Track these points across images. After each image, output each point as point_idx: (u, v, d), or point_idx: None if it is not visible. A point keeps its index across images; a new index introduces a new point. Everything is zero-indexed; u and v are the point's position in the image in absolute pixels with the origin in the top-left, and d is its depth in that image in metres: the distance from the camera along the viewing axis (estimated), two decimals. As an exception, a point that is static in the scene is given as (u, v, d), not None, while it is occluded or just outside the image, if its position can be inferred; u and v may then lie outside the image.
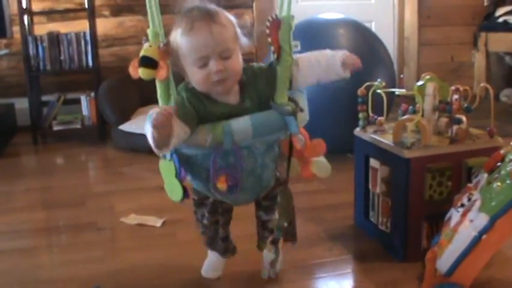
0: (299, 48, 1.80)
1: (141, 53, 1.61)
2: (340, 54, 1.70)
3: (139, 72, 1.60)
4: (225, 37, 1.57)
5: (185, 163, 1.68)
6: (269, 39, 1.66)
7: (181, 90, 1.65)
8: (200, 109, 1.61)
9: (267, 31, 1.66)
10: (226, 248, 1.93)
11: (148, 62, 1.59)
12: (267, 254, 1.96)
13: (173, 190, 1.72)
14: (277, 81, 1.68)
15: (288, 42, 1.67)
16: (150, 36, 1.66)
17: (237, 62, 1.61)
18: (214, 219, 1.86)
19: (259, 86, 1.68)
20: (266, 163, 1.69)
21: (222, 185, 1.61)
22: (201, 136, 1.57)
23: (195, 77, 1.60)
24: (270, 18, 1.67)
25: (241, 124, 1.58)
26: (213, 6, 1.61)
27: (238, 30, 1.65)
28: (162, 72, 1.61)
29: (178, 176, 1.67)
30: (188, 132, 1.55)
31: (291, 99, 1.69)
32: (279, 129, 1.64)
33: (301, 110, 1.69)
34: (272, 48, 1.67)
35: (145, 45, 1.63)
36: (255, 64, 1.74)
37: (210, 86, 1.60)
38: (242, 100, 1.66)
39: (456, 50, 5.50)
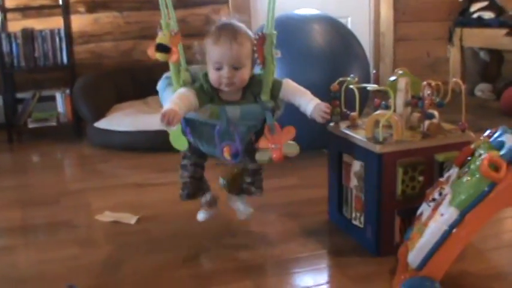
0: (279, 55, 2.10)
1: (157, 41, 2.00)
2: (312, 107, 2.07)
3: (156, 56, 1.99)
4: (240, 54, 1.99)
5: (189, 122, 2.09)
6: (255, 55, 2.05)
7: (203, 79, 2.05)
8: (212, 96, 2.05)
9: (254, 48, 2.04)
10: (200, 187, 2.27)
11: (163, 48, 1.99)
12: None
13: (178, 142, 2.12)
14: (263, 83, 2.09)
15: (270, 53, 2.07)
16: (162, 26, 2.01)
17: (245, 73, 2.03)
18: (194, 159, 2.23)
19: (254, 88, 2.09)
20: (246, 139, 2.11)
21: (226, 154, 2.04)
22: (203, 109, 2.02)
23: (212, 76, 2.02)
24: (257, 36, 2.04)
25: (233, 108, 2.03)
26: (240, 26, 2.05)
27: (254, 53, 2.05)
28: (174, 57, 2.01)
29: (184, 132, 2.11)
30: (197, 106, 2.00)
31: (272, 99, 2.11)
32: (259, 118, 2.09)
33: (278, 109, 2.13)
34: (258, 60, 2.06)
35: (160, 33, 2.01)
36: (256, 73, 2.13)
37: (220, 85, 2.02)
38: (242, 98, 2.09)
39: (432, 46, 5.55)
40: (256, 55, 2.05)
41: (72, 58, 4.32)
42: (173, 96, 1.99)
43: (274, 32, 2.08)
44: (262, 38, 2.05)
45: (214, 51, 2.00)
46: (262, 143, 2.06)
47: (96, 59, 4.65)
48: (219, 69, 2.00)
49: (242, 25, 2.07)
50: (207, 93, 2.05)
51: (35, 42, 4.21)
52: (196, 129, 2.12)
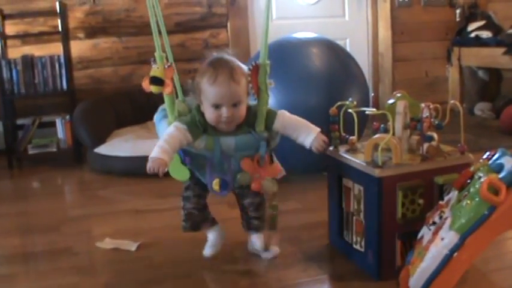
0: (273, 85, 2.15)
1: (151, 74, 2.08)
2: (312, 138, 2.10)
3: (151, 89, 2.08)
4: (238, 92, 2.03)
5: (187, 153, 2.14)
6: (250, 85, 2.09)
7: (195, 111, 2.10)
8: (205, 127, 2.09)
9: (249, 78, 2.09)
10: (204, 218, 2.27)
11: (157, 81, 2.07)
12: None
13: (179, 173, 2.17)
14: (257, 114, 2.12)
15: (264, 82, 2.12)
16: (157, 59, 2.09)
17: (243, 109, 2.08)
18: (197, 191, 2.23)
19: (249, 119, 2.12)
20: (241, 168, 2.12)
21: (216, 187, 2.10)
22: (198, 142, 2.07)
23: (209, 114, 2.06)
24: (251, 66, 2.10)
25: (228, 140, 2.07)
26: (234, 62, 2.07)
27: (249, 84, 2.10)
28: (168, 89, 2.09)
29: (183, 161, 2.16)
30: (191, 140, 2.05)
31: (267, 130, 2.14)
32: (253, 149, 2.10)
33: (273, 139, 2.16)
34: (252, 90, 2.11)
35: (154, 66, 2.09)
36: (251, 104, 2.16)
37: (218, 124, 2.06)
38: (237, 129, 2.10)
39: (430, 65, 5.57)
40: (250, 85, 2.10)
41: (71, 84, 4.33)
42: (161, 139, 2.03)
43: (268, 62, 2.13)
44: (256, 68, 2.11)
45: (212, 92, 2.03)
46: (246, 165, 2.09)
47: (95, 85, 4.67)
48: (217, 107, 2.03)
49: (234, 59, 2.10)
50: (201, 125, 2.08)
51: (34, 68, 4.22)
52: (195, 160, 2.15)
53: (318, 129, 2.12)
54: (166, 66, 2.10)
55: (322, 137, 2.10)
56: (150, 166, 1.94)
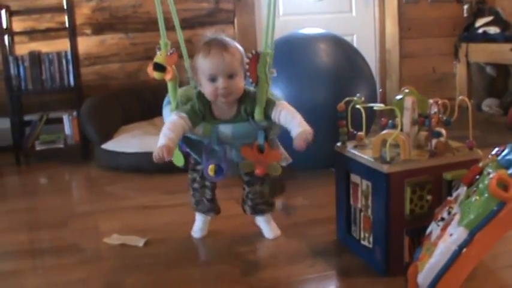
0: (275, 74, 2.16)
1: (154, 60, 2.16)
2: (297, 132, 2.04)
3: (154, 74, 2.16)
4: (233, 63, 2.09)
5: (186, 141, 2.27)
6: (248, 73, 2.14)
7: (195, 97, 2.18)
8: (204, 115, 2.18)
9: (247, 66, 2.13)
10: (211, 208, 2.47)
11: (159, 67, 2.15)
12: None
13: (176, 158, 2.28)
14: (257, 102, 2.15)
15: (264, 72, 2.13)
16: (161, 46, 2.17)
17: (240, 81, 2.13)
18: (203, 183, 2.42)
19: (248, 105, 2.17)
20: (241, 156, 2.21)
21: (211, 172, 2.19)
22: (197, 128, 2.16)
23: (207, 89, 2.12)
24: (250, 54, 2.12)
25: (225, 127, 2.16)
26: (228, 39, 2.15)
27: (245, 59, 2.14)
28: (169, 75, 2.16)
29: (180, 148, 2.29)
30: (191, 127, 2.14)
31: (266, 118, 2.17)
32: (251, 137, 2.17)
33: (271, 128, 2.20)
34: (250, 79, 2.14)
35: (158, 53, 2.17)
36: (251, 89, 2.19)
37: (217, 98, 2.12)
38: (235, 116, 2.18)
39: (438, 61, 5.55)
40: (248, 73, 2.14)
41: (78, 80, 4.34)
42: (165, 128, 2.10)
43: (269, 51, 2.16)
44: (255, 57, 2.13)
45: (206, 64, 2.10)
46: (245, 153, 2.17)
47: (102, 81, 4.68)
48: (213, 80, 2.10)
49: (229, 38, 2.17)
50: (200, 112, 2.16)
51: (42, 64, 4.24)
52: (195, 147, 2.28)
53: (308, 128, 2.05)
54: (169, 54, 2.16)
55: (305, 136, 2.02)
56: (155, 153, 2.00)
